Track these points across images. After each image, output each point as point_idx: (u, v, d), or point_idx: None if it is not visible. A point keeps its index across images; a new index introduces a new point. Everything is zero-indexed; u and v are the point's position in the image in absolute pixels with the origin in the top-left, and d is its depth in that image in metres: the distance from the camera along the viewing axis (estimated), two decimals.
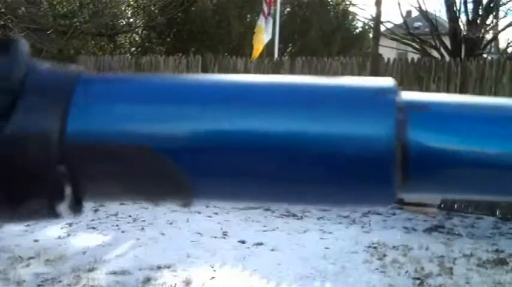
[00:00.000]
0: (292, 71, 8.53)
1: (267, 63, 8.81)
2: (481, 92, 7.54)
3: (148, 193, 0.30)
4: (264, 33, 10.28)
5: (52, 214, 0.29)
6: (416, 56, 10.24)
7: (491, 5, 15.28)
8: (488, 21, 15.73)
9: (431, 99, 0.29)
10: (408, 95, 0.28)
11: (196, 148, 0.28)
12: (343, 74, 8.26)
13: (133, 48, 17.36)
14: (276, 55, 10.13)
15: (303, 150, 0.27)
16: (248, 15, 17.24)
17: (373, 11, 17.20)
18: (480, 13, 15.25)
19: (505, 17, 27.66)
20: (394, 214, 6.99)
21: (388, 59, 8.21)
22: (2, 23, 11.58)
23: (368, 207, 0.29)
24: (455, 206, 7.51)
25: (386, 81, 0.28)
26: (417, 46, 17.20)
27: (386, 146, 0.26)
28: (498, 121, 0.27)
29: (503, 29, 16.65)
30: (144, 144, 0.27)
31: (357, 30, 20.49)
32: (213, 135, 0.27)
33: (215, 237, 5.53)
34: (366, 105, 0.27)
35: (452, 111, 0.28)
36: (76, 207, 0.30)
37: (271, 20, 10.39)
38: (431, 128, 0.27)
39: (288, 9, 18.04)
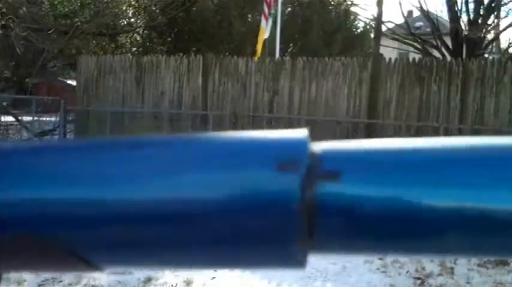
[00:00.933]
0: (293, 71, 8.53)
1: (268, 63, 8.81)
2: (482, 92, 7.54)
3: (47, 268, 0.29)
4: (265, 34, 10.32)
5: None
6: (417, 56, 10.23)
7: (493, 5, 15.26)
8: (489, 21, 15.71)
9: (342, 150, 0.27)
10: (319, 148, 0.26)
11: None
12: (344, 74, 8.26)
13: (135, 48, 17.36)
14: (277, 55, 10.14)
15: (210, 215, 0.26)
16: (249, 15, 17.24)
17: (374, 11, 17.20)
18: (481, 13, 15.24)
19: (506, 17, 27.66)
20: None
21: (390, 59, 8.21)
22: (3, 23, 11.59)
23: (278, 269, 0.28)
24: None
25: (299, 134, 0.27)
26: (418, 46, 17.18)
27: (291, 208, 0.25)
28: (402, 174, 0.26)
29: (504, 29, 16.62)
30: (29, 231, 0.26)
31: (358, 30, 20.49)
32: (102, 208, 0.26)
33: None
34: (272, 163, 0.25)
35: (365, 169, 0.26)
36: None
37: (270, 20, 10.42)
38: (342, 188, 0.26)
39: (289, 9, 18.04)
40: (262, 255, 0.27)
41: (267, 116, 8.60)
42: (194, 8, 16.02)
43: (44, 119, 11.15)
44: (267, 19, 10.47)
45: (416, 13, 19.58)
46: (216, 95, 9.00)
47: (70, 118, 10.44)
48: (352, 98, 8.21)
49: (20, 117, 11.45)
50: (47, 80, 18.15)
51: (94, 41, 16.00)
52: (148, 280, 4.22)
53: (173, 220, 0.25)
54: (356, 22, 20.43)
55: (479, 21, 15.20)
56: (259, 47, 10.16)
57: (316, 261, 4.81)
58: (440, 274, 4.56)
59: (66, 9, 14.80)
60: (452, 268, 4.74)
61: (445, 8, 15.66)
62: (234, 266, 0.28)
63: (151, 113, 9.29)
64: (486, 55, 16.25)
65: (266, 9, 10.36)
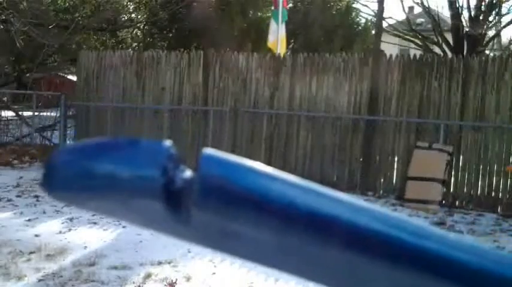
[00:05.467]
0: (293, 67, 8.52)
1: (269, 59, 8.79)
2: (483, 89, 7.53)
3: None
4: (273, 25, 10.29)
5: None
6: (418, 53, 10.22)
7: (494, 1, 15.23)
8: (490, 18, 15.69)
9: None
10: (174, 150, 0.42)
11: None
12: (345, 70, 8.25)
13: (135, 44, 17.34)
14: (278, 51, 10.11)
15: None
16: (250, 12, 17.22)
17: (375, 7, 17.18)
18: (483, 10, 15.21)
19: (507, 13, 27.55)
20: (395, 211, 6.99)
21: (390, 56, 8.19)
22: (4, 17, 11.57)
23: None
24: (457, 203, 7.51)
25: (165, 143, 0.42)
26: (419, 42, 17.16)
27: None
28: None
29: (505, 26, 16.60)
30: None
31: (360, 27, 20.45)
32: None
33: None
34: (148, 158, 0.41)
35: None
36: None
37: (279, 12, 10.34)
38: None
39: (290, 5, 18.00)
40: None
41: (267, 112, 8.59)
42: (195, 4, 15.99)
43: (44, 114, 11.15)
44: (276, 8, 10.42)
45: (417, 9, 19.56)
46: (217, 90, 8.98)
47: (70, 113, 10.43)
48: (352, 94, 8.20)
49: (20, 113, 11.45)
50: (47, 75, 18.13)
51: (95, 36, 15.98)
52: (148, 275, 4.23)
53: None
54: (357, 19, 20.40)
55: (481, 17, 15.17)
56: (271, 42, 10.14)
57: None
58: None
59: (67, 4, 14.78)
60: None
61: (446, 5, 15.63)
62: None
63: (151, 108, 9.28)
64: (487, 52, 16.24)
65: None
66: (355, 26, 20.22)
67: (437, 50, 15.91)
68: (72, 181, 0.41)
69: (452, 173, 7.59)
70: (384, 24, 18.01)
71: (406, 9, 18.48)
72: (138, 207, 0.41)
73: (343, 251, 0.39)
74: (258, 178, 0.40)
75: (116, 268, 4.37)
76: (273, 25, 10.41)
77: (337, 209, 0.39)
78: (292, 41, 17.80)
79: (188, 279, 4.20)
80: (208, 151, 0.41)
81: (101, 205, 0.43)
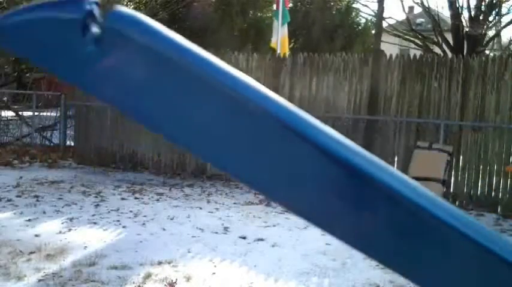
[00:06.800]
0: (293, 67, 8.51)
1: (269, 59, 8.79)
2: (483, 89, 7.52)
3: None
4: (276, 25, 10.34)
5: None
6: (418, 53, 10.21)
7: (494, 1, 15.23)
8: (490, 18, 15.70)
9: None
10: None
11: None
12: (345, 70, 8.25)
13: None
14: (278, 51, 10.12)
15: None
16: (250, 12, 17.22)
17: (375, 7, 17.18)
18: (483, 10, 15.22)
19: (507, 13, 27.56)
20: None
21: (390, 55, 8.19)
22: None
23: None
24: (457, 203, 7.51)
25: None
26: (419, 42, 17.18)
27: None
28: None
29: (505, 26, 16.61)
30: None
31: (360, 27, 20.48)
32: None
33: (216, 233, 5.53)
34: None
35: None
36: None
37: (280, 12, 10.38)
38: None
39: (290, 5, 18.02)
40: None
41: None
42: (195, 4, 16.00)
43: (44, 114, 11.15)
44: (278, 9, 10.45)
45: (417, 9, 19.56)
46: None
47: (70, 113, 10.44)
48: (352, 94, 8.20)
49: (20, 113, 11.45)
50: (47, 75, 18.11)
51: None
52: (148, 275, 4.23)
53: None
54: (357, 19, 20.43)
55: (481, 18, 15.18)
56: (284, 45, 10.21)
57: (317, 257, 4.81)
58: None
59: None
60: None
61: (446, 5, 15.66)
62: None
63: None
64: (487, 52, 16.25)
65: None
66: (355, 26, 20.24)
67: (437, 50, 15.93)
68: (12, 31, 0.46)
69: (452, 173, 7.59)
70: (384, 24, 18.03)
71: (406, 9, 18.50)
72: (56, 42, 0.44)
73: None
74: (172, 42, 0.43)
75: (116, 268, 4.37)
76: (275, 25, 10.46)
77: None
78: (292, 41, 17.82)
79: (188, 279, 4.20)
80: (123, 9, 0.44)
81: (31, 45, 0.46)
